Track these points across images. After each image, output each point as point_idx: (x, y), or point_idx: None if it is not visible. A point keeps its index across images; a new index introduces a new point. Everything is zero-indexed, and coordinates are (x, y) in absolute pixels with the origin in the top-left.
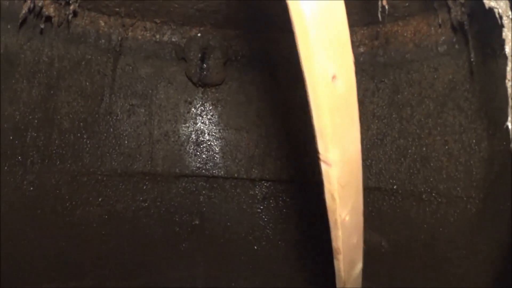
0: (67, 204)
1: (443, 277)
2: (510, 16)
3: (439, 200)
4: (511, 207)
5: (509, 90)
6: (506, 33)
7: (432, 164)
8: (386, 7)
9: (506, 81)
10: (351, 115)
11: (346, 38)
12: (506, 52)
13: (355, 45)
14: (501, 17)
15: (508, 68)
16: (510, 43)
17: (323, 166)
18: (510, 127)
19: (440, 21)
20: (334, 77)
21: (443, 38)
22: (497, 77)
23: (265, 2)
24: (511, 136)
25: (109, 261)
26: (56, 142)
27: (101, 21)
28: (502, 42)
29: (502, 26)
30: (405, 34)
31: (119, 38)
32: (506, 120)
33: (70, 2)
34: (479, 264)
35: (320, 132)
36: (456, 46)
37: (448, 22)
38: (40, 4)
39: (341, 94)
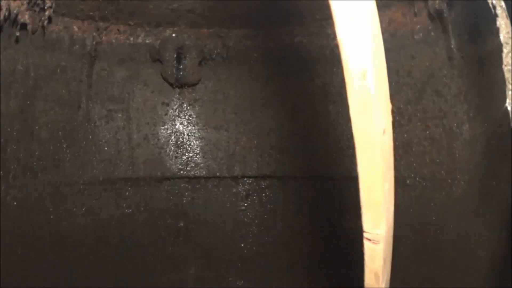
0: (52, 217)
1: (435, 259)
2: (503, 6)
3: (424, 184)
4: (508, 187)
5: (506, 74)
6: (500, 22)
7: (414, 149)
8: None
9: (503, 66)
10: (392, 174)
11: (387, 89)
12: (501, 40)
13: (330, 37)
14: (494, 7)
15: (504, 54)
16: (504, 31)
17: (368, 245)
18: (509, 109)
19: (416, 10)
20: (384, 132)
21: (419, 26)
22: (476, 62)
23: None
24: (511, 117)
25: (98, 270)
26: (37, 153)
27: (75, 26)
28: (496, 30)
29: (496, 15)
30: (380, 25)
31: (94, 42)
32: (489, 102)
33: (46, 7)
34: (471, 245)
35: (371, 203)
36: (432, 34)
37: (424, 11)
38: (15, 11)
39: (388, 151)
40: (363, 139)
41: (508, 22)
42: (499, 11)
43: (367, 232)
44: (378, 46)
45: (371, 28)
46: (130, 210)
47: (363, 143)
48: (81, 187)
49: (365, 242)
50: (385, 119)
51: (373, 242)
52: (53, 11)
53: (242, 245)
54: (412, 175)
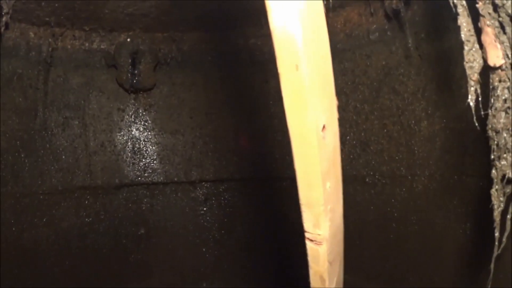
0: (14, 229)
1: (401, 254)
2: (464, 5)
3: (383, 181)
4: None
5: (467, 71)
6: (461, 20)
7: (372, 148)
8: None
9: (464, 63)
10: (337, 173)
11: (332, 84)
12: (462, 37)
13: None
14: (455, 6)
15: (465, 52)
16: (465, 29)
17: (310, 246)
18: (471, 104)
19: (372, 10)
20: (324, 128)
21: (375, 26)
22: (433, 59)
23: (196, 2)
24: (473, 112)
25: (64, 282)
26: None
27: (31, 33)
28: (454, 28)
29: (457, 14)
30: (335, 25)
31: (49, 49)
32: (447, 99)
33: (3, 13)
34: (437, 237)
35: (309, 202)
36: (389, 33)
37: (380, 11)
38: None
39: (330, 148)
40: (299, 135)
41: (469, 20)
42: (460, 9)
43: (308, 232)
44: (316, 36)
45: (305, 15)
46: (90, 219)
47: (298, 139)
48: (41, 197)
49: (307, 242)
50: (327, 114)
51: (316, 243)
52: (10, 17)
53: (204, 249)
54: (371, 173)
